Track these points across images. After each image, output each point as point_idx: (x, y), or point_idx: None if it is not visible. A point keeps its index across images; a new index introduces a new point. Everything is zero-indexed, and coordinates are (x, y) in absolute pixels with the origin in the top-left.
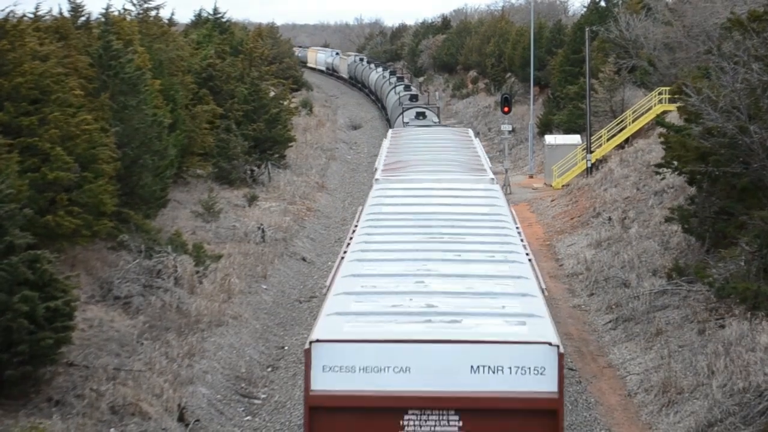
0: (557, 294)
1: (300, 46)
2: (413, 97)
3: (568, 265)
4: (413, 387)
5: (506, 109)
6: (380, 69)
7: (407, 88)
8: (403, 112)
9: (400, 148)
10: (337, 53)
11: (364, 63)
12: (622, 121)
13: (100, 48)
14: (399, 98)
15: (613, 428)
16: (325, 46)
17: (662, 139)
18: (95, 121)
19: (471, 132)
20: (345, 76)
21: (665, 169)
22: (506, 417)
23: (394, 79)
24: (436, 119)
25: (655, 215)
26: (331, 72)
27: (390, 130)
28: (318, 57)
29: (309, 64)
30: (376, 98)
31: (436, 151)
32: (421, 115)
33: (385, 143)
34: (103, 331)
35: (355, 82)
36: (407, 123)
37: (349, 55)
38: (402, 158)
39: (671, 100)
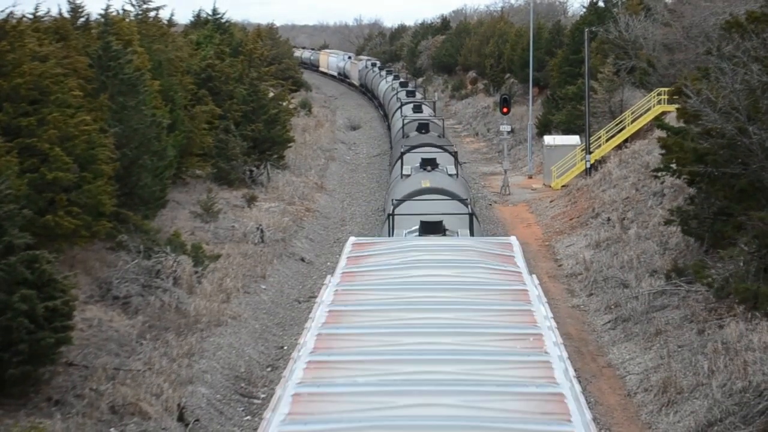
0: (556, 294)
1: (311, 48)
2: (422, 127)
3: (567, 266)
4: None
5: (505, 109)
6: (390, 78)
7: (417, 108)
8: (403, 155)
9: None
10: (349, 57)
11: (375, 69)
12: (621, 121)
13: (99, 49)
14: (403, 126)
15: (613, 428)
16: (325, 47)
17: (661, 143)
18: (94, 121)
19: (517, 248)
20: (356, 83)
21: (664, 173)
22: None
23: (403, 94)
24: (452, 170)
25: (654, 216)
26: (342, 78)
27: (351, 240)
28: (330, 61)
29: (321, 69)
30: (384, 114)
31: (441, 368)
32: (429, 165)
33: (324, 299)
34: (103, 331)
35: (366, 91)
36: (408, 176)
37: (360, 60)
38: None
39: (670, 101)
